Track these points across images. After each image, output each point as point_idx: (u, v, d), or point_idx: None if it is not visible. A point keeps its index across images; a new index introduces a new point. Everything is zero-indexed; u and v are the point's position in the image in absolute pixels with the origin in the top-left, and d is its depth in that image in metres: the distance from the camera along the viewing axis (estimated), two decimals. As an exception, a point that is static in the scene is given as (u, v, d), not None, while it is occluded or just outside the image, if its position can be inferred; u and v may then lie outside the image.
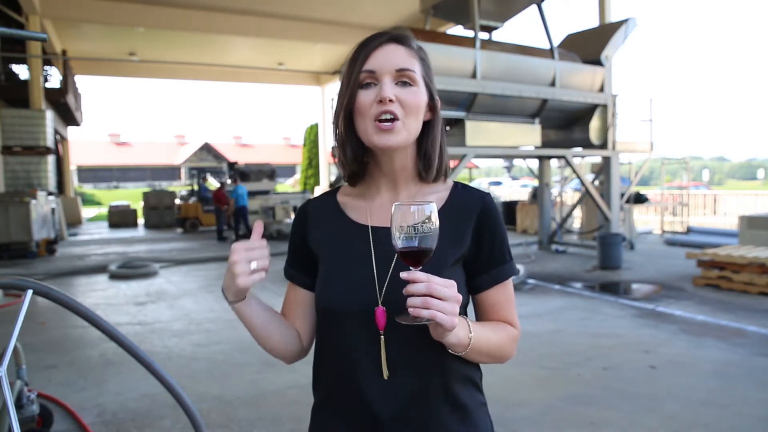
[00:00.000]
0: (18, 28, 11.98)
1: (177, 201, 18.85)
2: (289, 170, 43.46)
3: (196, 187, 17.91)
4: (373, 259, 0.94)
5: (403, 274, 0.79)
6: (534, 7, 8.80)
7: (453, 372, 0.94)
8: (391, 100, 0.90)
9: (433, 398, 0.92)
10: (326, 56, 18.41)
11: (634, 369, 3.99)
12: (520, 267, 7.84)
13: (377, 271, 0.93)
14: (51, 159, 12.28)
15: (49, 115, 12.34)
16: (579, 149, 9.61)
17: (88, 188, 40.69)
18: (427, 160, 0.98)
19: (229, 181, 16.47)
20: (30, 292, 1.87)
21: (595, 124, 9.26)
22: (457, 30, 10.78)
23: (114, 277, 8.38)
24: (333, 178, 21.85)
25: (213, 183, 18.50)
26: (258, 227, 0.90)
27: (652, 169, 27.20)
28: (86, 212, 24.99)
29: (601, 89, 9.30)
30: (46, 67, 15.83)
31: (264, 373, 4.01)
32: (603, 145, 9.41)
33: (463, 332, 0.86)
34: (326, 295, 0.96)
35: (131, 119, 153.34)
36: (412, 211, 0.80)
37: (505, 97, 7.97)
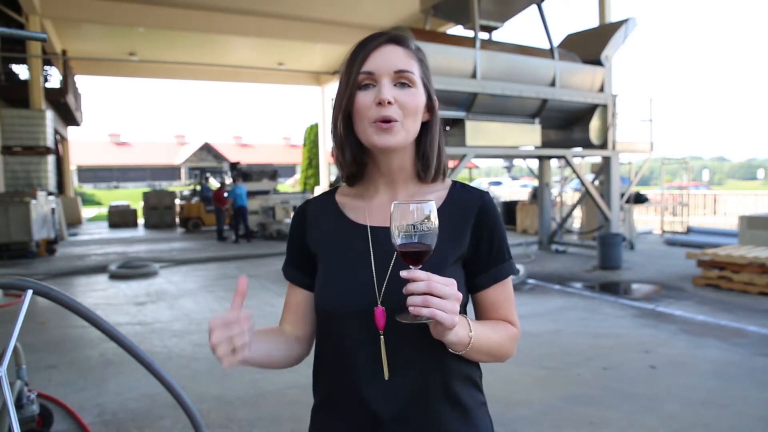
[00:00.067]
0: (18, 28, 11.98)
1: (177, 201, 18.88)
2: (289, 170, 43.46)
3: (198, 187, 17.91)
4: (372, 259, 0.94)
5: (403, 273, 0.79)
6: (534, 7, 8.80)
7: (453, 371, 0.94)
8: (389, 102, 0.90)
9: (433, 398, 0.92)
10: (326, 56, 18.41)
11: (634, 369, 3.99)
12: (520, 267, 7.84)
13: (376, 271, 0.93)
14: (51, 159, 12.28)
15: (49, 115, 12.34)
16: (579, 149, 9.61)
17: (88, 188, 40.70)
18: (426, 161, 0.99)
19: (228, 181, 16.49)
20: (30, 292, 1.87)
21: (595, 124, 9.26)
22: (457, 30, 10.78)
23: (114, 277, 8.38)
24: (333, 178, 21.86)
25: (214, 183, 18.50)
26: (242, 284, 0.83)
27: (652, 169, 27.21)
28: (86, 212, 24.99)
29: (601, 89, 9.30)
30: (46, 67, 15.82)
31: (264, 373, 4.01)
32: (603, 145, 9.41)
33: (464, 331, 0.86)
34: (325, 296, 0.96)
35: (131, 119, 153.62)
36: (411, 209, 0.80)
37: (505, 97, 7.97)
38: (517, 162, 26.91)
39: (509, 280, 1.00)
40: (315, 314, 1.03)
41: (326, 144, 23.32)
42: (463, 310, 0.91)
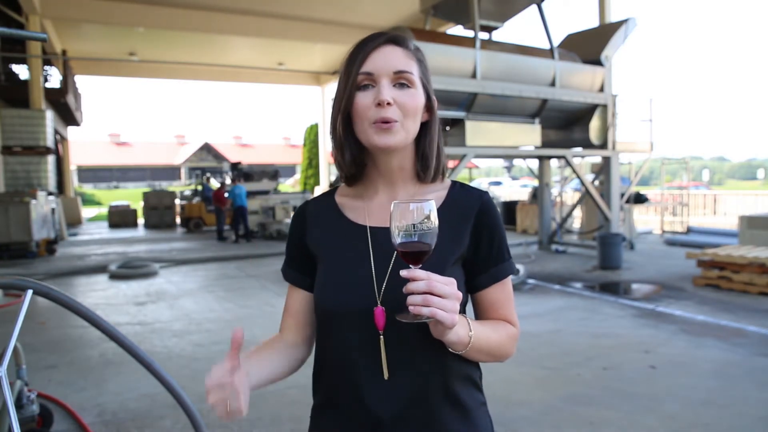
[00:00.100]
0: (18, 28, 11.98)
1: (177, 201, 18.88)
2: (289, 170, 43.46)
3: (199, 187, 17.90)
4: (372, 259, 0.94)
5: (403, 272, 0.79)
6: (534, 7, 8.80)
7: (453, 371, 0.94)
8: (389, 103, 0.91)
9: (433, 398, 0.92)
10: (326, 56, 18.42)
11: (634, 369, 3.99)
12: (520, 267, 7.84)
13: (376, 271, 0.93)
14: (51, 159, 12.28)
15: (49, 115, 12.34)
16: (579, 149, 9.61)
17: (88, 188, 40.70)
18: (425, 161, 0.99)
19: (228, 181, 16.50)
20: (30, 292, 1.87)
21: (595, 124, 9.26)
22: (457, 30, 10.78)
23: (114, 277, 8.38)
24: (333, 178, 21.87)
25: (215, 183, 18.53)
26: (236, 337, 0.82)
27: (652, 169, 27.21)
28: (86, 212, 24.99)
29: (601, 89, 9.30)
30: (46, 67, 15.83)
31: (264, 373, 4.01)
32: (603, 145, 9.41)
33: (464, 330, 0.86)
34: (325, 296, 0.96)
35: (131, 119, 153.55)
36: (411, 209, 0.80)
37: (505, 97, 7.97)
38: (517, 162, 26.92)
39: (509, 280, 1.00)
40: (315, 315, 1.03)
41: (326, 144, 23.33)
42: (462, 310, 0.91)
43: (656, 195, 14.38)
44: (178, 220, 18.64)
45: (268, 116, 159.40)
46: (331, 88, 21.29)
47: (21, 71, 15.61)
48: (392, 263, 0.92)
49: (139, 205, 20.45)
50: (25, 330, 1.88)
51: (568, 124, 9.53)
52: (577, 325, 5.25)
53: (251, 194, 14.71)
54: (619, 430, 3.04)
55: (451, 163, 8.98)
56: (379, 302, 0.90)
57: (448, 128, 8.08)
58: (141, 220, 18.94)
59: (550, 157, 10.06)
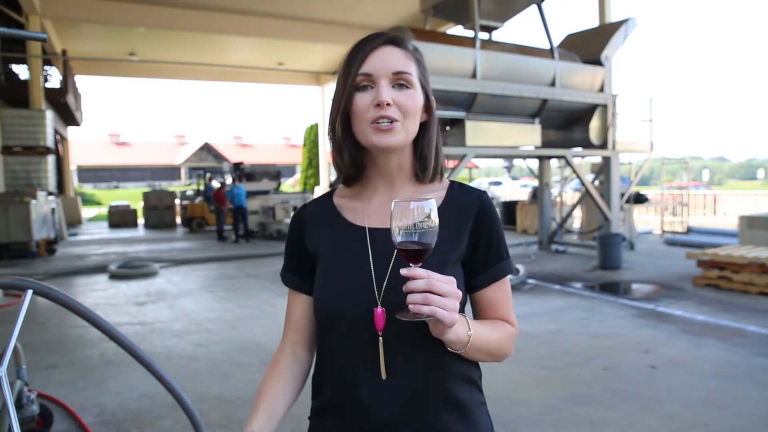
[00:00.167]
0: (18, 28, 11.98)
1: (177, 201, 18.88)
2: (289, 170, 43.46)
3: (202, 187, 17.91)
4: (371, 260, 0.94)
5: (404, 271, 0.79)
6: (534, 7, 8.80)
7: (452, 371, 0.94)
8: (388, 104, 0.91)
9: (433, 398, 0.92)
10: (326, 56, 18.42)
11: (634, 369, 3.99)
12: (520, 267, 7.84)
13: (375, 272, 0.93)
14: (51, 159, 12.28)
15: (49, 115, 12.34)
16: (579, 149, 9.61)
17: (88, 188, 40.70)
18: (424, 161, 0.99)
19: (229, 181, 16.51)
20: (30, 292, 1.87)
21: (595, 124, 9.26)
22: (457, 30, 10.78)
23: (114, 277, 8.38)
24: (333, 178, 21.86)
25: (216, 183, 18.56)
26: None
27: (652, 169, 27.20)
28: (86, 212, 24.99)
29: (601, 89, 9.30)
30: (46, 67, 15.83)
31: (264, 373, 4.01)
32: (603, 145, 9.41)
33: (463, 330, 0.86)
34: (324, 297, 0.96)
35: (131, 119, 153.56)
36: (411, 208, 0.80)
37: (505, 97, 7.97)
38: (517, 162, 26.92)
39: (507, 280, 1.00)
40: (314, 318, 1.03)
41: (326, 144, 23.17)
42: (462, 310, 0.91)
43: (656, 195, 14.38)
44: (178, 220, 18.64)
45: (268, 116, 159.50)
46: (331, 88, 21.29)
47: (21, 71, 15.62)
48: (392, 264, 0.92)
49: (139, 205, 20.45)
50: (25, 330, 1.88)
51: (568, 124, 9.53)
52: (577, 325, 5.25)
53: (251, 194, 14.71)
54: (619, 430, 3.04)
55: (451, 163, 8.98)
56: (379, 303, 0.90)
57: (448, 128, 8.08)
58: (141, 220, 18.94)
59: (550, 157, 10.06)
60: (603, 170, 9.93)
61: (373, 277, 0.93)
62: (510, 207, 15.00)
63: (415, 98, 0.94)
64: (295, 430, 3.12)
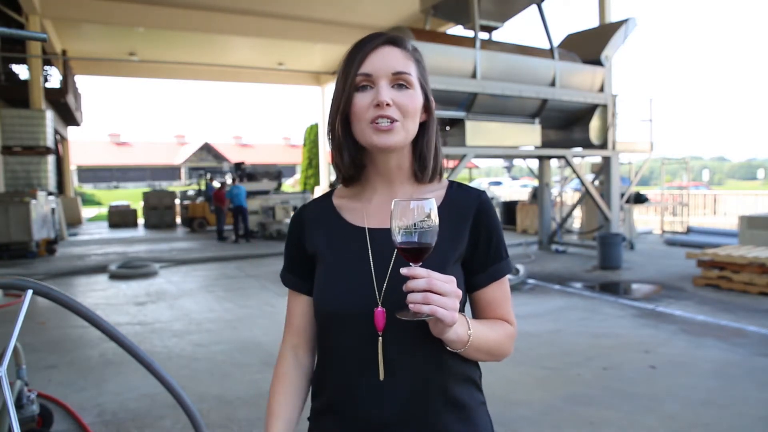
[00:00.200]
0: (18, 28, 11.98)
1: (177, 201, 18.88)
2: (289, 170, 43.47)
3: (203, 187, 17.91)
4: (371, 260, 0.94)
5: (404, 270, 0.79)
6: (534, 7, 8.80)
7: (452, 371, 0.94)
8: (388, 104, 0.91)
9: (433, 398, 0.92)
10: (326, 56, 18.42)
11: (634, 369, 3.99)
12: (520, 267, 7.84)
13: (375, 272, 0.93)
14: (51, 159, 12.28)
15: (49, 115, 12.34)
16: (579, 149, 9.61)
17: (88, 188, 40.70)
18: (423, 161, 0.99)
19: (229, 181, 16.51)
20: (30, 292, 1.87)
21: (595, 124, 9.26)
22: (457, 30, 10.78)
23: (114, 277, 8.38)
24: (333, 178, 21.86)
25: (217, 183, 18.57)
26: None
27: (652, 169, 27.21)
28: (86, 212, 24.99)
29: (601, 89, 9.30)
30: (46, 67, 15.83)
31: (264, 373, 4.02)
32: (603, 145, 9.41)
33: (463, 329, 0.86)
34: (325, 298, 0.96)
35: (131, 119, 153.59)
36: (411, 207, 0.80)
37: (505, 97, 7.97)
38: (517, 162, 26.92)
39: (506, 279, 1.01)
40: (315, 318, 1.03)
41: (326, 144, 23.11)
42: (462, 309, 0.91)
43: (656, 195, 14.38)
44: (178, 220, 18.64)
45: (268, 116, 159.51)
46: (331, 88, 21.34)
47: (21, 71, 15.62)
48: (392, 264, 0.92)
49: (139, 205, 20.45)
50: (25, 330, 1.88)
51: (568, 124, 9.53)
52: (577, 325, 5.25)
53: (251, 194, 14.71)
54: (619, 430, 3.04)
55: (451, 163, 8.98)
56: (379, 303, 0.90)
57: (448, 128, 8.08)
58: (141, 220, 18.94)
59: (550, 157, 10.06)
60: (603, 170, 9.93)
61: (374, 277, 0.93)
62: (510, 207, 15.00)
63: (414, 98, 0.94)
64: (295, 430, 3.13)
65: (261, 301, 6.55)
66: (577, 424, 3.13)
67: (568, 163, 9.23)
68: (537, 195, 11.66)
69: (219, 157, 42.91)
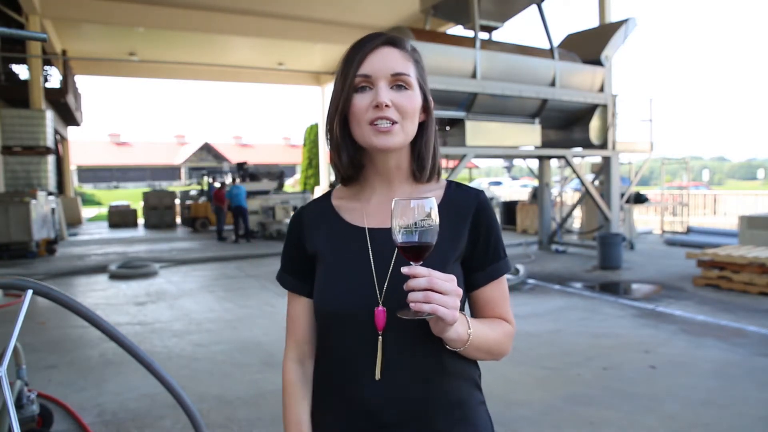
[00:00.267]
0: (18, 28, 11.99)
1: (177, 201, 18.88)
2: (289, 170, 43.47)
3: (205, 187, 17.92)
4: (371, 260, 0.94)
5: (404, 269, 0.80)
6: (534, 7, 8.80)
7: (452, 371, 0.94)
8: (387, 105, 0.91)
9: (433, 397, 0.92)
10: (326, 56, 18.42)
11: (634, 369, 3.99)
12: (520, 267, 7.84)
13: (376, 272, 0.93)
14: (51, 159, 12.28)
15: (49, 115, 12.35)
16: (579, 149, 9.61)
17: (88, 188, 40.71)
18: (421, 161, 0.99)
19: (229, 181, 16.51)
20: (30, 292, 1.87)
21: (595, 124, 9.26)
22: (457, 30, 10.79)
23: (114, 277, 8.38)
24: (333, 178, 21.87)
25: (217, 183, 18.59)
26: None
27: (652, 169, 27.21)
28: (86, 212, 25.00)
29: (601, 89, 9.30)
30: (46, 67, 15.83)
31: (264, 373, 4.02)
32: (603, 145, 9.42)
33: (463, 328, 0.86)
34: (325, 298, 0.96)
35: (131, 119, 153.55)
36: (412, 206, 0.80)
37: (505, 97, 7.97)
38: (517, 162, 26.92)
39: (504, 278, 1.01)
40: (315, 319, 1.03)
41: (326, 144, 23.33)
42: (461, 308, 0.91)
43: (656, 195, 14.38)
44: (178, 220, 18.64)
45: (268, 116, 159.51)
46: (331, 88, 21.37)
47: (21, 71, 15.62)
48: (392, 264, 0.93)
49: (139, 205, 20.45)
50: (25, 330, 1.88)
51: (568, 124, 9.53)
52: (577, 325, 5.25)
53: (252, 194, 14.71)
54: (619, 430, 3.04)
55: (451, 163, 8.98)
56: (380, 303, 0.90)
57: (448, 128, 8.08)
58: (141, 220, 18.94)
59: (550, 157, 10.06)
60: (603, 170, 9.93)
61: (374, 276, 0.93)
62: (510, 207, 14.99)
63: (413, 99, 0.94)
64: (295, 430, 3.13)
65: (261, 301, 6.55)
66: (577, 424, 3.13)
67: (568, 163, 9.23)
68: (537, 195, 11.66)
69: (219, 157, 42.92)
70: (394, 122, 0.91)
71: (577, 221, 13.09)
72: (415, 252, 0.81)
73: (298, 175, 35.03)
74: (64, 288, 6.24)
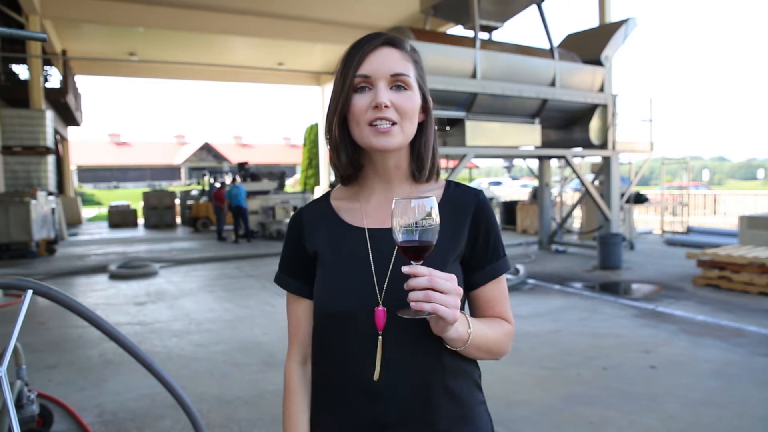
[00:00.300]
0: (18, 28, 11.99)
1: (177, 201, 18.88)
2: (289, 170, 43.45)
3: (206, 187, 17.92)
4: (371, 260, 0.94)
5: (405, 268, 0.80)
6: (534, 7, 8.80)
7: (452, 370, 0.94)
8: (386, 106, 0.91)
9: (433, 397, 0.92)
10: (326, 56, 18.43)
11: (634, 369, 3.99)
12: (520, 267, 7.84)
13: (376, 272, 0.93)
14: (51, 159, 12.29)
15: (49, 115, 12.35)
16: (579, 149, 9.61)
17: (88, 188, 40.71)
18: (420, 161, 0.99)
19: (229, 181, 16.51)
20: (30, 292, 1.87)
21: (595, 124, 9.26)
22: (457, 30, 10.79)
23: (114, 277, 8.38)
24: (333, 178, 21.88)
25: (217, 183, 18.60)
26: None
27: (652, 169, 27.22)
28: (86, 212, 25.00)
29: (601, 89, 9.30)
30: (46, 67, 15.84)
31: (264, 373, 4.02)
32: (603, 145, 9.41)
33: (463, 327, 0.87)
34: (326, 298, 0.96)
35: (131, 119, 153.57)
36: (412, 206, 0.80)
37: (505, 97, 7.97)
38: (517, 162, 26.92)
39: (504, 277, 1.01)
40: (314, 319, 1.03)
41: (326, 144, 23.34)
42: (461, 308, 0.91)
43: (656, 195, 14.39)
44: (178, 220, 18.63)
45: (268, 116, 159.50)
46: (331, 88, 21.38)
47: (21, 71, 15.62)
48: (392, 264, 0.93)
49: (139, 205, 20.45)
50: (25, 330, 1.88)
51: (568, 124, 9.53)
52: (577, 325, 5.25)
53: (252, 194, 14.70)
54: (619, 430, 3.04)
55: (451, 163, 8.98)
56: (381, 302, 0.90)
57: (448, 128, 8.08)
58: (141, 220, 18.94)
59: (550, 157, 10.06)
60: (603, 170, 9.93)
61: (374, 276, 0.93)
62: (510, 207, 15.00)
63: (412, 100, 0.94)
64: None
65: (261, 301, 6.55)
66: (577, 424, 3.13)
67: (568, 163, 9.23)
68: (537, 195, 11.66)
69: (219, 157, 42.93)
70: (393, 123, 0.91)
71: (577, 221, 13.10)
72: (416, 251, 0.81)
73: (298, 175, 35.04)
74: (64, 288, 6.25)
